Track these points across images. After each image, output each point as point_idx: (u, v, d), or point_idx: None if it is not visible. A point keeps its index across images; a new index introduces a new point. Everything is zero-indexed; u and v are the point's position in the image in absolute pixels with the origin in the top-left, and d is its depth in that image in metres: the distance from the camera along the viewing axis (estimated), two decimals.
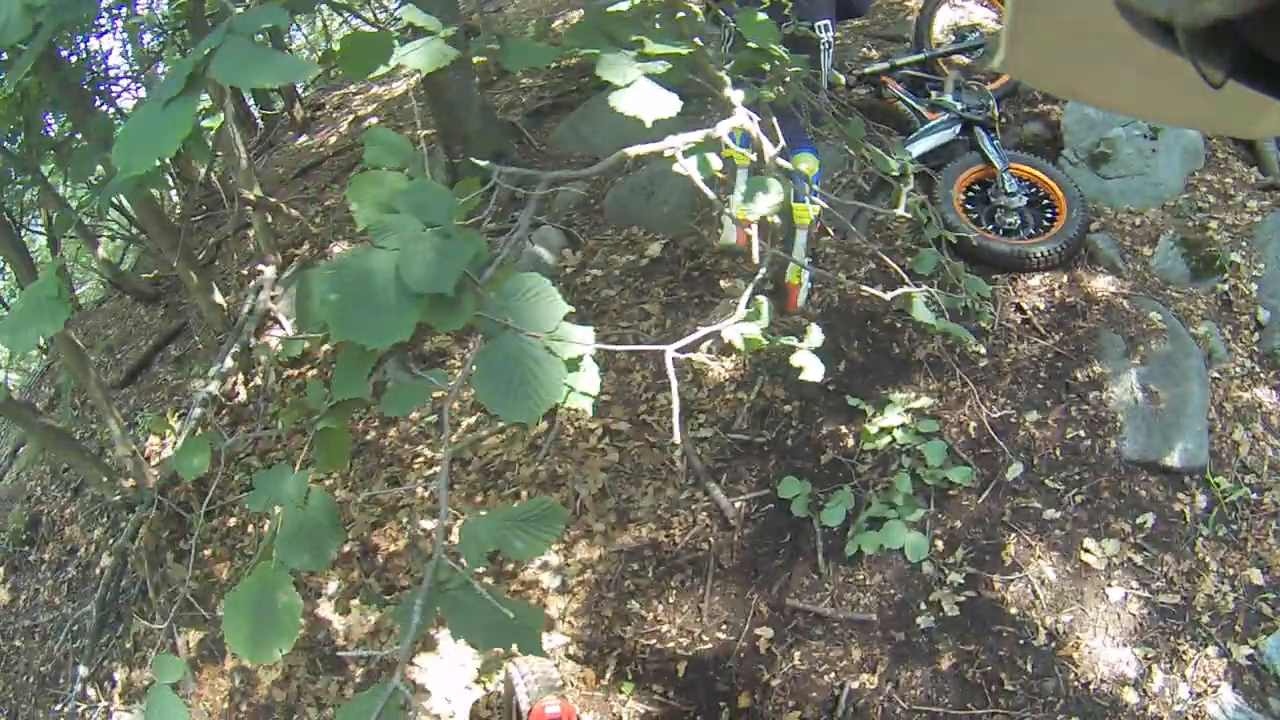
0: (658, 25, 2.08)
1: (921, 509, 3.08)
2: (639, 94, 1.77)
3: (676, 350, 1.78)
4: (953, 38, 4.79)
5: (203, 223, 6.25)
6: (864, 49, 5.27)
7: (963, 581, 2.97)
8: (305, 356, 4.05)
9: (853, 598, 2.96)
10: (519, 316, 1.48)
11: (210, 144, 3.80)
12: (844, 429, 3.32)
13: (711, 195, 2.05)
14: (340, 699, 3.08)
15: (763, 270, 2.32)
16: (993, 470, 3.21)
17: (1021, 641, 2.87)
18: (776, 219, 3.10)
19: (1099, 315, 3.63)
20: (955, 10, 5.22)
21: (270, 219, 4.61)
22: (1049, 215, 3.89)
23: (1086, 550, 3.07)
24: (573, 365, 1.54)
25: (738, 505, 3.23)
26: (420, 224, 1.50)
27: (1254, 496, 3.39)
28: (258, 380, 4.06)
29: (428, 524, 3.19)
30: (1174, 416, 3.39)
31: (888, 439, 3.18)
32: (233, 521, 3.93)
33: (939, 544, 3.05)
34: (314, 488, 1.66)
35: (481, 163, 1.87)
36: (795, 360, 2.01)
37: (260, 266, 4.49)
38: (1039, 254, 3.69)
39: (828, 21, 3.67)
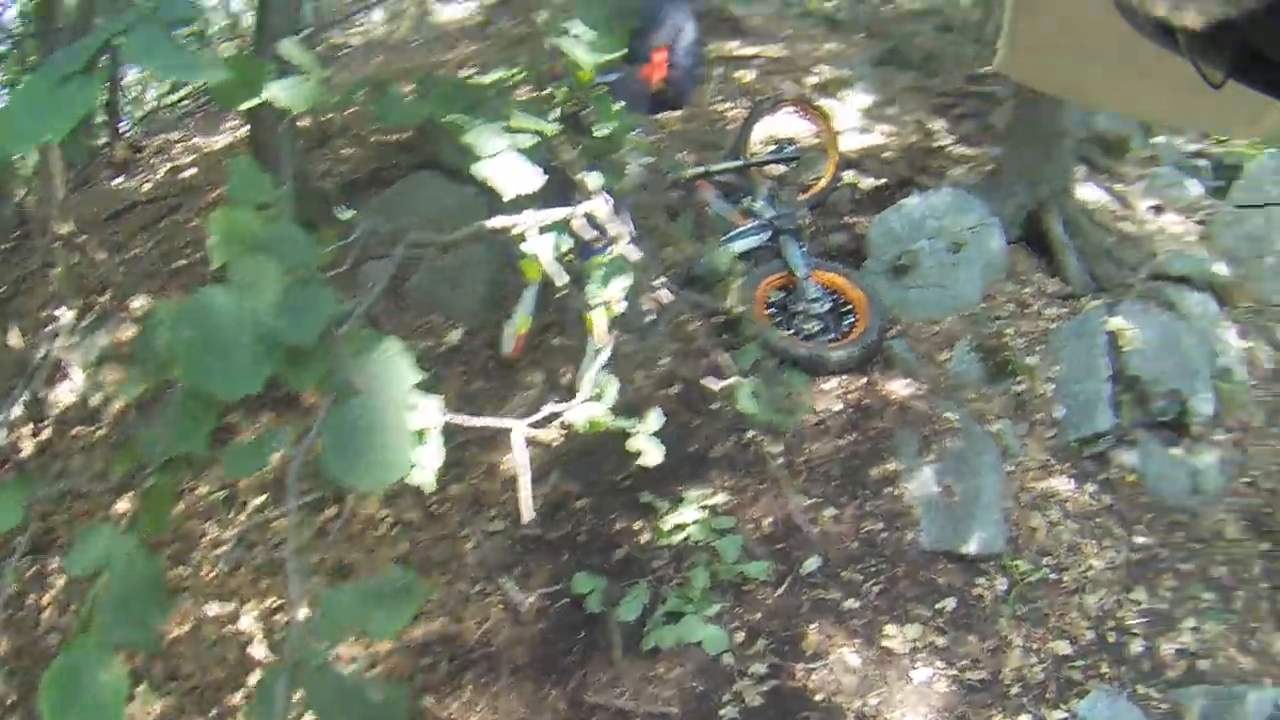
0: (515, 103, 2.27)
1: (719, 603, 3.26)
2: (504, 166, 1.81)
3: (528, 424, 1.92)
4: (771, 148, 5.39)
5: (8, 253, 6.13)
6: (681, 153, 5.86)
7: (765, 672, 3.14)
8: (94, 414, 4.06)
9: (653, 692, 3.08)
10: (371, 379, 1.47)
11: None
12: (638, 525, 3.52)
13: (556, 276, 2.13)
14: None
15: (604, 354, 2.37)
16: (789, 565, 3.43)
17: None
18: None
19: (894, 416, 3.99)
20: (774, 122, 5.89)
21: (77, 260, 4.67)
22: (849, 321, 4.33)
23: (888, 636, 3.30)
24: (420, 437, 1.58)
25: (530, 601, 3.36)
26: (281, 268, 1.46)
27: (1053, 576, 3.76)
28: (46, 434, 4.05)
29: (213, 609, 3.23)
30: (969, 508, 3.73)
31: (682, 535, 3.38)
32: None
33: (738, 636, 3.22)
34: (138, 551, 1.51)
35: (347, 214, 2.05)
36: (632, 445, 2.16)
37: (59, 310, 4.46)
38: (837, 358, 4.08)
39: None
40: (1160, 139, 7.87)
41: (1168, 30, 0.58)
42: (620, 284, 2.14)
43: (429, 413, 1.61)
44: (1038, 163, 5.30)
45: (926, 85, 7.41)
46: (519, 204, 1.98)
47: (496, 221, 2.03)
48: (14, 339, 4.31)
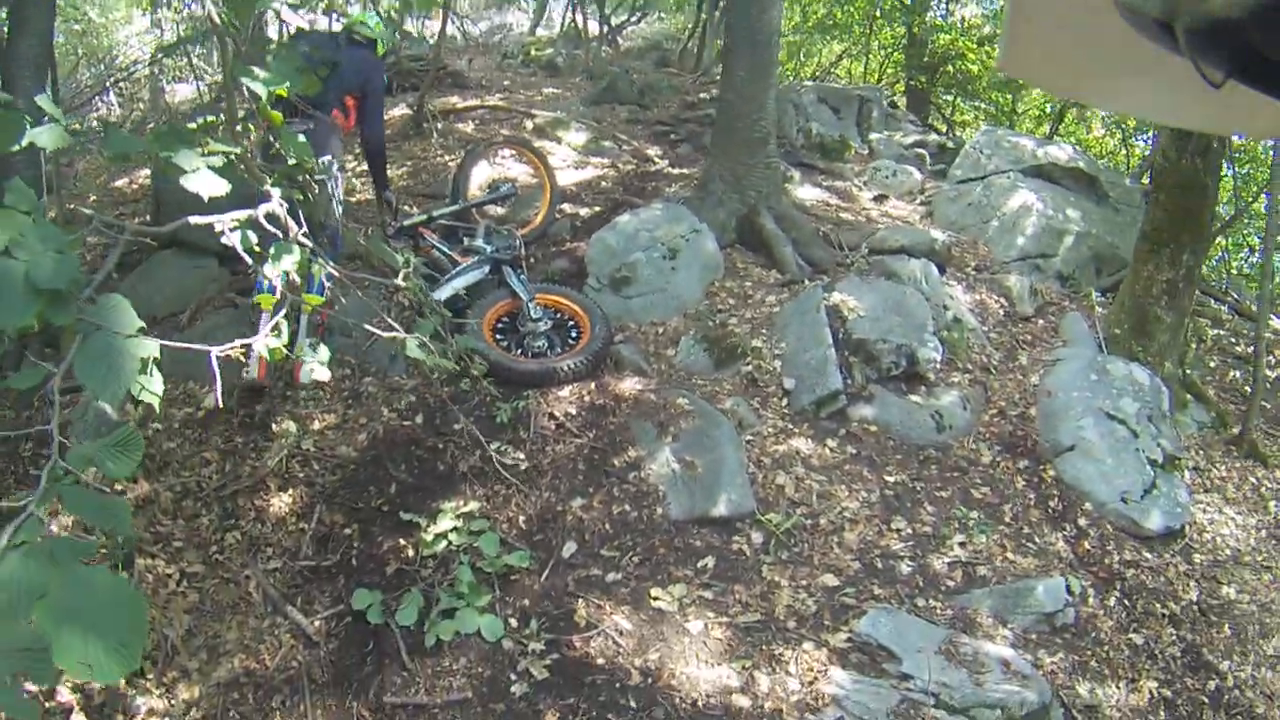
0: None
1: (488, 594, 4.02)
2: (200, 178, 2.73)
3: (217, 353, 2.74)
4: (487, 190, 6.53)
5: None
6: (406, 204, 6.87)
7: (544, 648, 3.88)
8: None
9: (445, 683, 3.77)
10: (108, 321, 2.27)
11: None
12: (403, 541, 4.26)
13: (251, 263, 3.03)
14: None
15: (286, 303, 3.32)
16: (549, 553, 4.24)
17: (618, 685, 3.78)
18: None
19: (629, 410, 4.92)
20: (491, 166, 7.01)
21: None
22: (574, 335, 5.33)
23: (655, 599, 4.13)
24: (144, 366, 2.33)
25: (316, 624, 4.03)
26: (43, 247, 2.25)
27: (808, 522, 4.71)
28: None
29: None
30: (713, 477, 4.65)
31: (444, 543, 4.14)
32: None
33: (513, 621, 3.98)
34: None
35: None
36: (303, 373, 3.15)
37: None
38: (565, 368, 5.04)
39: (329, 157, 5.10)
40: (878, 136, 9.58)
41: (1168, 30, 0.65)
42: (291, 259, 3.07)
43: (149, 346, 2.39)
44: (743, 170, 6.56)
45: (643, 117, 8.79)
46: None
47: (198, 219, 2.92)
48: None
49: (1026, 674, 4.28)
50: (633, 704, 3.75)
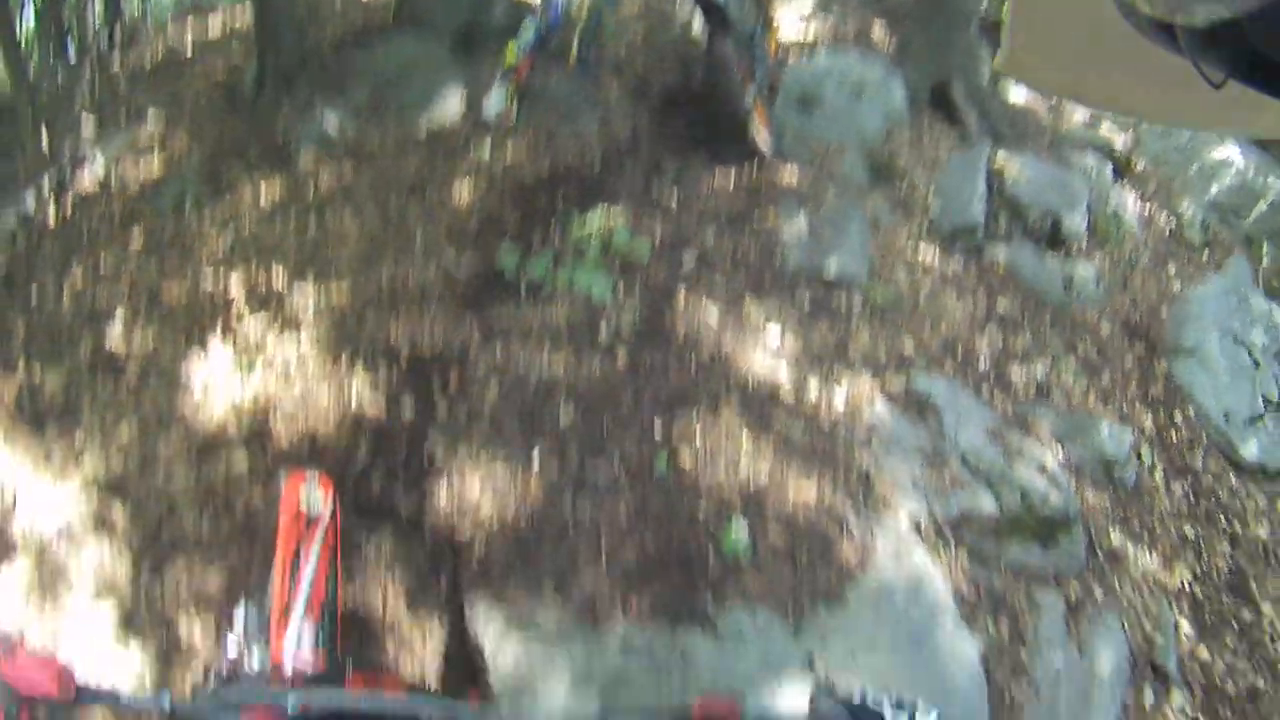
0: None
1: (608, 268, 4.68)
2: None
3: None
4: None
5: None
6: None
7: (637, 315, 4.50)
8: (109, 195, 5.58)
9: (546, 319, 4.46)
10: None
11: None
12: (554, 232, 4.99)
13: None
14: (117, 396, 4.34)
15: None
16: (674, 263, 4.83)
17: (689, 351, 4.34)
18: None
19: (781, 191, 5.45)
20: None
21: (96, 83, 6.25)
22: None
23: (748, 308, 4.64)
24: None
25: (462, 268, 4.83)
26: None
27: (909, 304, 5.09)
28: (69, 210, 5.51)
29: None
30: (833, 244, 5.10)
31: (588, 233, 4.84)
32: None
33: (620, 292, 4.61)
34: None
35: None
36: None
37: (82, 117, 6.05)
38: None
39: None
40: None
41: (1168, 30, 0.67)
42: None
43: None
44: (943, 39, 6.91)
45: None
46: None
47: None
48: (45, 140, 5.76)
49: (1061, 483, 4.47)
50: (693, 371, 4.31)
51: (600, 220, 4.93)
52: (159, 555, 3.78)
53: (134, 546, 3.80)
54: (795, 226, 5.21)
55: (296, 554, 2.63)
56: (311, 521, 2.71)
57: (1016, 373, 5.12)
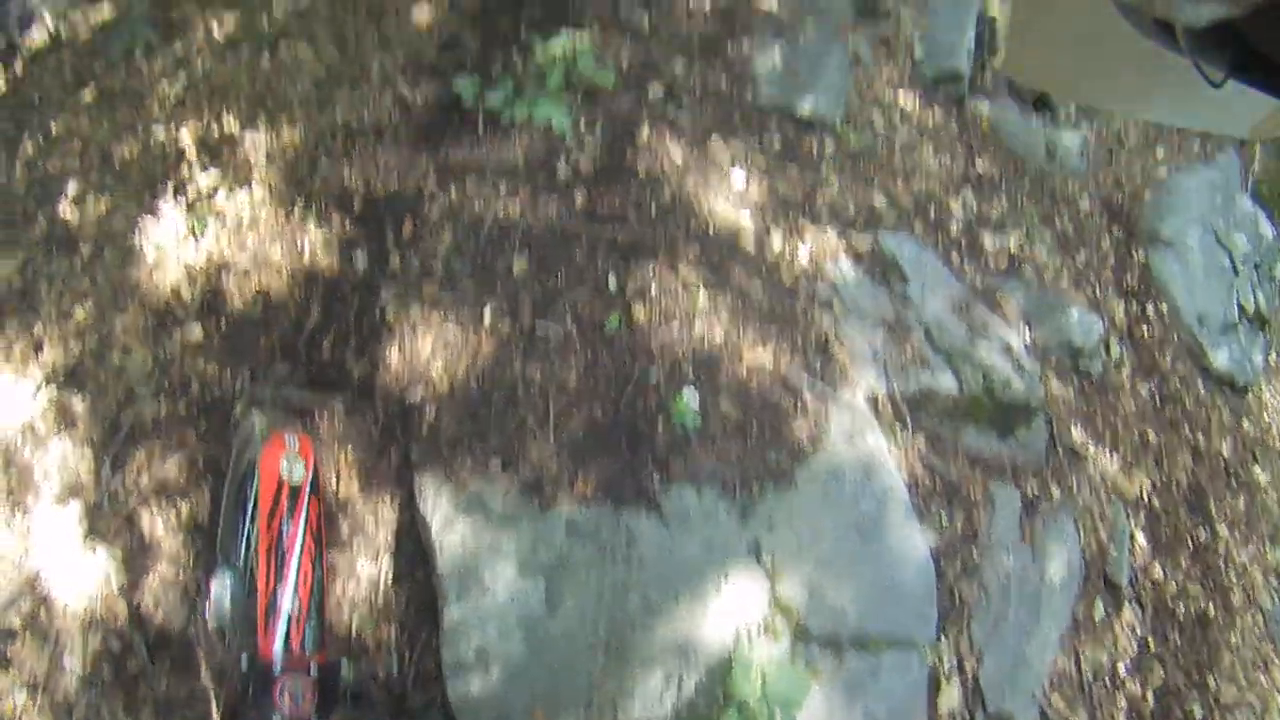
0: None
1: (570, 98, 4.24)
2: None
3: None
4: None
5: None
6: None
7: (598, 149, 4.12)
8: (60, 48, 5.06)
9: (503, 154, 4.08)
10: None
11: None
12: (516, 55, 4.52)
13: None
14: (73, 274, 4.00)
15: None
16: (640, 94, 4.39)
17: (649, 193, 3.98)
18: None
19: (759, 19, 4.93)
20: None
21: None
22: None
23: (713, 147, 4.25)
24: None
25: (418, 98, 4.42)
26: None
27: (883, 152, 4.74)
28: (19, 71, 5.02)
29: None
30: (809, 81, 4.67)
31: (552, 58, 4.30)
32: None
33: (582, 124, 4.20)
34: None
35: None
36: None
37: None
38: None
39: None
40: None
41: (1168, 30, 0.65)
42: None
43: None
44: None
45: None
46: None
47: None
48: None
49: (1026, 366, 4.25)
50: (652, 216, 3.96)
51: (565, 45, 4.42)
52: (120, 447, 3.58)
53: (95, 440, 3.59)
54: (770, 59, 4.74)
55: (280, 534, 2.59)
56: (294, 491, 2.67)
57: (989, 241, 4.82)
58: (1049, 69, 1.17)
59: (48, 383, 3.73)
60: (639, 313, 3.59)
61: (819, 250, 4.08)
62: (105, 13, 5.27)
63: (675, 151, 4.18)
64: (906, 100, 5.10)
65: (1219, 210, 5.85)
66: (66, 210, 4.24)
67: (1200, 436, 5.06)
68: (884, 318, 4.01)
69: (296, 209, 4.08)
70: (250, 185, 4.17)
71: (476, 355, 3.49)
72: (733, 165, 4.24)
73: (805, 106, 4.62)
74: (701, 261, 3.81)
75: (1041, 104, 5.64)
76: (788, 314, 3.78)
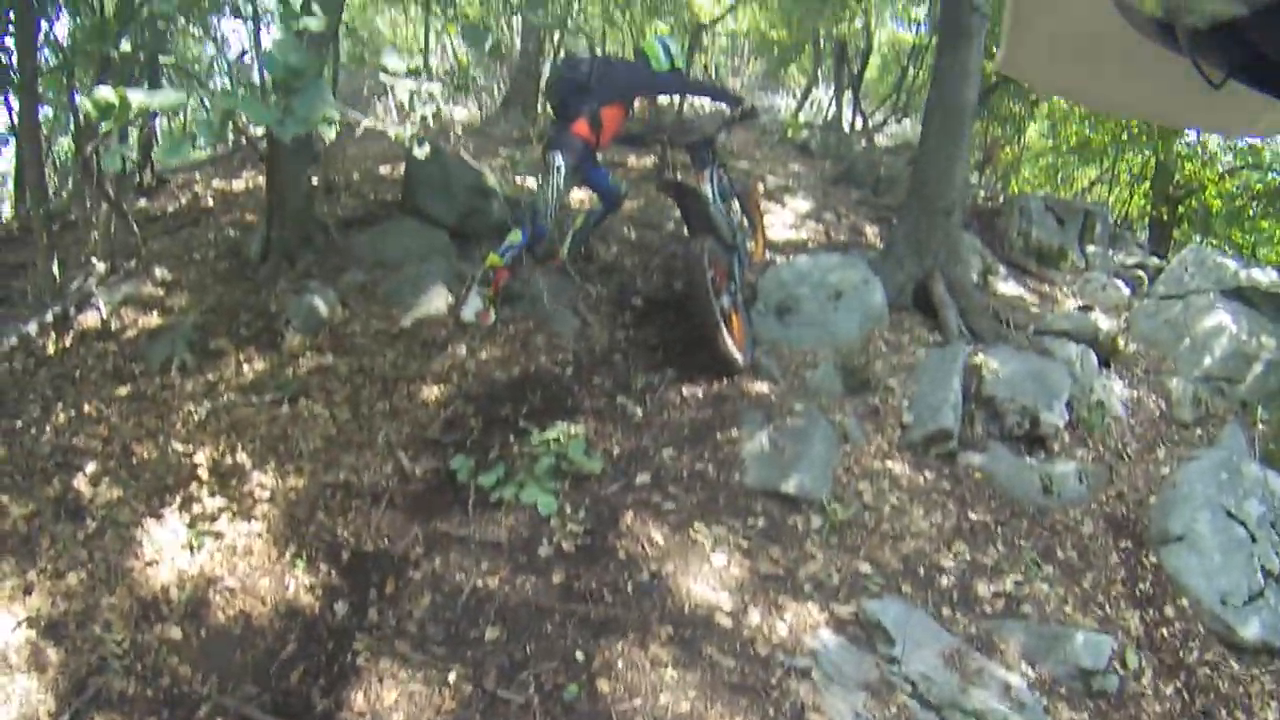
0: None
1: (558, 484, 4.76)
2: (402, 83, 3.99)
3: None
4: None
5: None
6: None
7: (582, 532, 4.55)
8: (110, 335, 5.96)
9: (489, 531, 4.56)
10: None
11: None
12: (513, 440, 5.10)
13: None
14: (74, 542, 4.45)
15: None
16: (625, 477, 4.90)
17: (626, 574, 4.35)
18: None
19: (748, 403, 5.50)
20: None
21: (113, 226, 6.56)
22: None
23: (696, 532, 4.63)
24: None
25: (418, 471, 4.98)
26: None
27: (871, 523, 5.00)
28: (67, 342, 5.86)
29: None
30: (795, 460, 5.07)
31: (544, 445, 4.91)
32: None
33: (567, 508, 4.66)
34: None
35: None
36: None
37: (94, 260, 6.37)
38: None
39: (556, 153, 6.09)
40: (1096, 249, 9.68)
41: (1168, 30, 0.68)
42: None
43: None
44: (925, 235, 6.99)
45: (872, 201, 9.42)
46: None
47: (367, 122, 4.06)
48: (55, 269, 6.06)
49: (1027, 703, 4.29)
50: (629, 590, 4.32)
51: (559, 433, 5.02)
52: (83, 706, 3.84)
53: (60, 690, 3.87)
54: (757, 442, 5.25)
55: None
56: None
57: (983, 588, 4.99)
58: (1049, 70, 1.18)
59: (29, 625, 4.05)
60: (603, 685, 3.83)
61: (799, 623, 4.28)
62: (155, 319, 6.12)
63: (657, 535, 4.59)
64: (895, 466, 5.46)
65: (1226, 487, 5.92)
66: (82, 484, 4.81)
67: (1241, 714, 5.07)
68: (866, 680, 4.11)
69: (289, 550, 4.59)
70: (251, 519, 4.72)
71: (438, 712, 3.74)
72: (714, 547, 4.58)
73: (790, 485, 5.01)
74: (674, 640, 4.06)
75: (1034, 438, 6.08)
76: (761, 685, 3.93)
